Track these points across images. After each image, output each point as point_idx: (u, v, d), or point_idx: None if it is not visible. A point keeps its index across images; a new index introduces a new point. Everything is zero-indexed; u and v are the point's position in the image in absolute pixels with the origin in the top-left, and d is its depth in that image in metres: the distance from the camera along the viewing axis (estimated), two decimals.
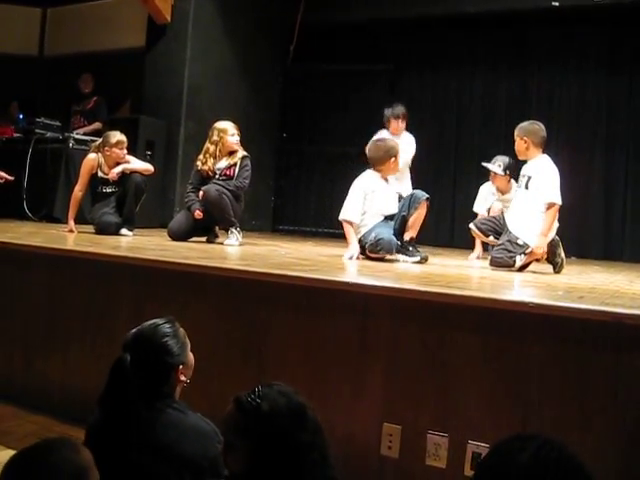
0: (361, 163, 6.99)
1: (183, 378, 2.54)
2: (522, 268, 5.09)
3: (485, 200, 7.11)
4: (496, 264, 5.12)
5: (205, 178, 6.32)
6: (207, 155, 6.33)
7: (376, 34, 9.76)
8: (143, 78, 8.88)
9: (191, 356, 2.61)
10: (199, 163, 6.37)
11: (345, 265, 4.81)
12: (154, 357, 2.48)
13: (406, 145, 6.90)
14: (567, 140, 8.72)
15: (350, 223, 5.37)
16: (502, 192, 6.86)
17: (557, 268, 5.15)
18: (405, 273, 4.53)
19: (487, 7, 8.91)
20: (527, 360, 2.90)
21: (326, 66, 10.00)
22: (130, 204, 6.37)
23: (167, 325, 2.56)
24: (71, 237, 5.88)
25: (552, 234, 5.10)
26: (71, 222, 6.32)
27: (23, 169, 7.93)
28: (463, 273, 4.73)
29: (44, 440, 1.80)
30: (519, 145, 5.24)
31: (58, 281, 4.33)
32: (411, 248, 5.40)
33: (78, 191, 6.42)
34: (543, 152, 5.21)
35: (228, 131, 6.32)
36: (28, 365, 4.34)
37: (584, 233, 8.48)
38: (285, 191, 10.30)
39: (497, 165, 6.67)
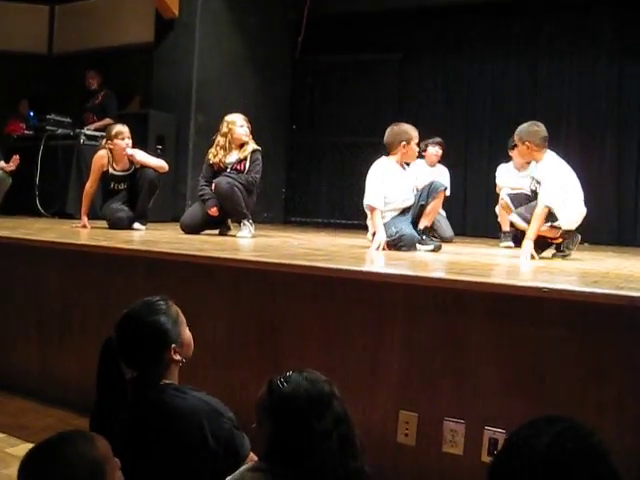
0: (371, 152, 7.03)
1: (178, 357, 2.46)
2: (545, 245, 5.10)
3: (508, 177, 7.10)
4: (517, 216, 5.28)
5: (216, 171, 6.33)
6: (218, 148, 6.34)
7: (383, 23, 9.72)
8: (152, 73, 8.90)
9: (187, 334, 2.53)
10: (210, 156, 6.37)
11: (358, 254, 4.82)
12: (143, 337, 2.42)
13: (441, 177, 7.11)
14: (578, 125, 8.69)
15: (374, 209, 5.30)
16: (519, 169, 6.98)
17: (557, 255, 5.17)
18: (419, 261, 4.53)
19: None
20: (542, 345, 2.90)
21: (334, 57, 9.99)
22: (143, 200, 6.37)
23: (158, 303, 2.50)
24: (84, 232, 5.90)
25: (578, 222, 5.10)
26: (84, 218, 6.34)
27: (35, 166, 7.97)
28: (476, 260, 4.72)
29: (59, 434, 1.80)
30: (522, 150, 5.26)
31: (73, 276, 4.36)
32: (425, 237, 5.41)
33: (89, 188, 6.43)
34: (548, 148, 5.18)
35: (237, 122, 6.32)
36: (45, 359, 4.38)
37: (597, 219, 8.38)
38: (296, 183, 10.30)
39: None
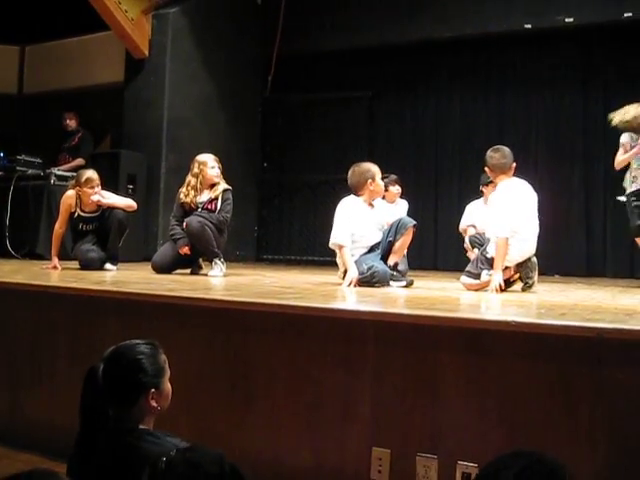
0: (342, 190, 7.09)
1: (154, 404, 2.46)
2: (506, 285, 5.11)
3: (471, 216, 7.20)
4: (466, 273, 5.27)
5: (188, 211, 6.34)
6: (189, 188, 6.36)
7: (353, 61, 9.84)
8: (123, 113, 8.92)
9: (168, 386, 2.54)
10: (182, 196, 6.39)
11: (329, 292, 4.83)
12: (125, 372, 2.44)
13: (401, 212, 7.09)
14: (546, 159, 8.81)
15: (342, 247, 5.35)
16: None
17: (524, 287, 5.21)
18: (389, 297, 4.55)
19: (462, 31, 9.03)
20: (512, 378, 2.92)
21: (304, 95, 10.07)
22: (113, 240, 6.36)
23: (147, 346, 2.52)
24: (55, 273, 5.87)
25: (522, 257, 5.14)
26: (54, 259, 6.31)
27: (5, 207, 7.93)
28: (446, 295, 4.75)
29: (25, 472, 1.79)
30: (489, 174, 5.39)
31: (42, 318, 4.32)
32: (395, 273, 5.44)
33: (59, 228, 6.42)
34: (514, 173, 5.25)
35: (208, 163, 6.35)
36: (14, 403, 4.32)
37: (566, 251, 8.53)
38: (268, 220, 10.32)
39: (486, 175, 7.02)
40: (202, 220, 6.13)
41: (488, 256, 5.10)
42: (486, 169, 5.36)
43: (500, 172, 5.22)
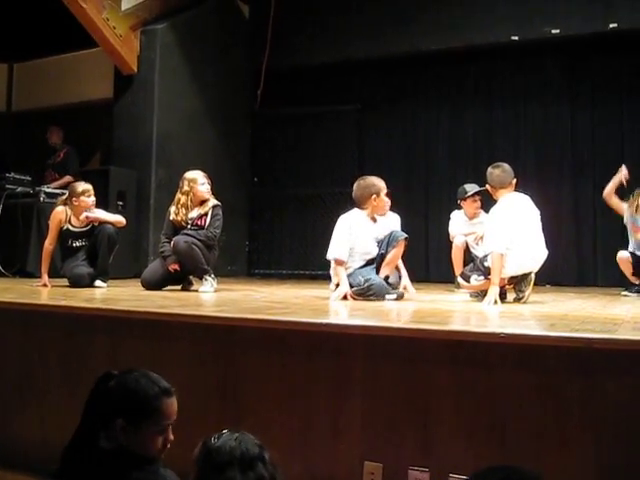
0: (333, 203, 7.06)
1: (122, 438, 2.30)
2: (501, 296, 5.13)
3: (458, 224, 7.23)
4: (461, 274, 5.49)
5: (178, 228, 6.33)
6: (179, 205, 6.33)
7: (341, 75, 9.89)
8: (112, 129, 8.92)
9: (157, 438, 2.37)
10: (173, 215, 6.37)
11: (318, 306, 4.82)
12: (109, 395, 2.35)
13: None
14: (534, 171, 8.83)
15: (340, 262, 5.36)
16: (470, 217, 7.15)
17: (515, 299, 5.23)
18: (379, 310, 4.55)
19: (449, 44, 9.08)
20: (502, 390, 2.92)
21: (294, 109, 10.10)
22: (103, 255, 6.35)
23: (158, 386, 2.40)
24: (45, 291, 5.85)
25: (517, 272, 5.15)
26: (44, 276, 6.29)
27: None
28: (437, 308, 4.75)
29: None
30: (490, 191, 5.41)
31: (32, 336, 4.30)
32: (386, 286, 5.45)
33: (48, 245, 6.41)
34: (514, 188, 5.29)
35: (198, 180, 6.33)
36: (5, 423, 4.29)
37: (557, 261, 8.52)
38: (259, 235, 10.32)
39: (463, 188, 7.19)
40: (189, 239, 6.10)
41: (485, 264, 5.13)
42: (487, 186, 5.38)
43: (500, 187, 5.26)
